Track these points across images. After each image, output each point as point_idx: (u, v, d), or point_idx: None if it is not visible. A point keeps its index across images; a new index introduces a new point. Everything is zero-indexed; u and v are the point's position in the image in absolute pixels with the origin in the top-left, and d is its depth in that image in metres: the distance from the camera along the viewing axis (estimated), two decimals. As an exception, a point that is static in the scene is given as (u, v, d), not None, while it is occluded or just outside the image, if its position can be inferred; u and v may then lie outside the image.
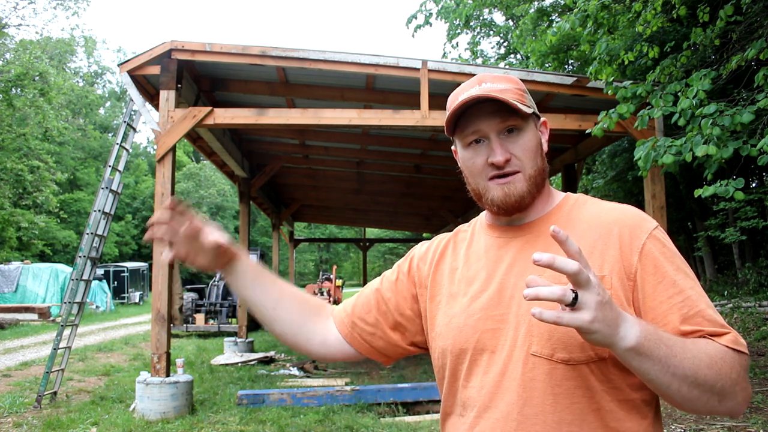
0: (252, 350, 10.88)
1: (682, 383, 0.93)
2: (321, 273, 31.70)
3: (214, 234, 1.16)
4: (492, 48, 21.54)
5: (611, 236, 1.06)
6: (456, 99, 1.13)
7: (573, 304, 0.84)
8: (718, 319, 1.02)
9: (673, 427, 5.18)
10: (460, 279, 1.18)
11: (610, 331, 0.86)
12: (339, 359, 1.31)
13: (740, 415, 1.01)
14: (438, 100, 6.94)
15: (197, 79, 7.63)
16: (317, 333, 1.28)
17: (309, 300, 1.31)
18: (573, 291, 0.84)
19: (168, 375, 5.98)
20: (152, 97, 6.97)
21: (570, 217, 1.13)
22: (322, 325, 1.29)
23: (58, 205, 23.94)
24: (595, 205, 1.15)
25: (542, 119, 1.19)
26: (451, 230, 1.32)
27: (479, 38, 19.27)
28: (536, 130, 1.15)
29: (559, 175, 10.01)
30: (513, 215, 1.14)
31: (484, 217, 1.24)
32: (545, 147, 1.17)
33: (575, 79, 6.55)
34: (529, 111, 1.11)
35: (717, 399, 0.96)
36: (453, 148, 1.22)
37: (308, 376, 8.37)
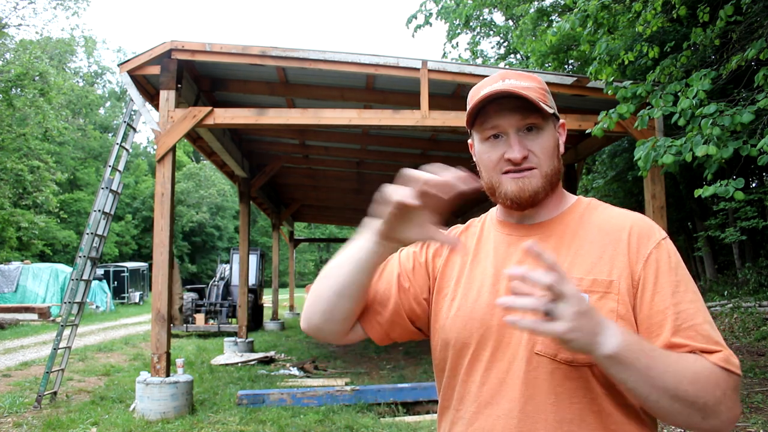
0: (252, 350, 10.88)
1: (662, 395, 0.94)
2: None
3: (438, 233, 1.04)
4: (492, 48, 21.56)
5: (620, 243, 1.07)
6: (478, 93, 1.12)
7: (548, 315, 0.87)
8: (714, 335, 1.01)
9: (672, 427, 5.18)
10: (469, 274, 1.18)
11: (588, 339, 0.89)
12: (349, 342, 1.25)
13: (729, 429, 1.01)
14: (438, 100, 6.94)
15: (197, 79, 7.63)
16: (351, 326, 1.21)
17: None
18: (548, 303, 0.87)
19: (168, 375, 5.97)
20: (152, 97, 6.97)
21: (582, 221, 1.14)
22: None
23: (58, 205, 23.95)
24: (607, 211, 1.15)
25: (561, 121, 1.19)
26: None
27: (479, 38, 19.27)
28: (555, 130, 1.15)
29: (559, 175, 10.01)
30: (525, 211, 1.14)
31: (495, 212, 1.24)
32: (562, 149, 1.17)
33: (575, 79, 6.55)
34: (551, 111, 1.11)
35: (700, 415, 0.96)
36: (469, 141, 1.22)
37: (308, 376, 8.37)
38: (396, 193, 0.97)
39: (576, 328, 0.87)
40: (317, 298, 1.16)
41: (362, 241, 1.10)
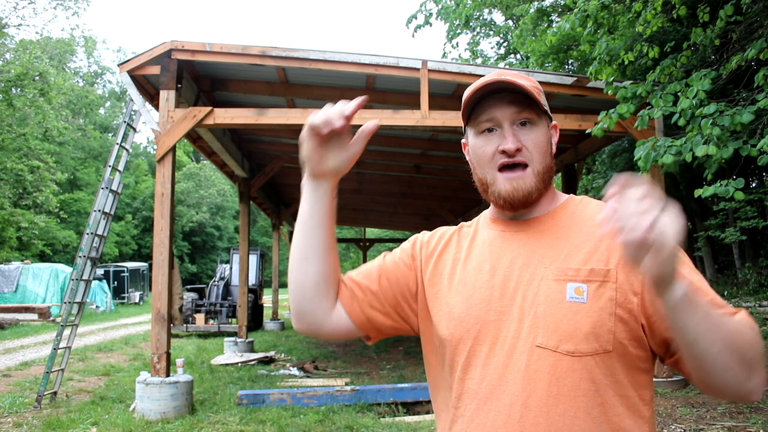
0: (252, 350, 10.88)
1: (723, 345, 0.90)
2: (321, 273, 31.77)
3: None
4: (492, 48, 21.54)
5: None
6: (474, 86, 1.14)
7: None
8: (728, 305, 1.02)
9: (673, 427, 5.17)
10: (462, 270, 1.18)
11: (675, 264, 0.84)
12: (335, 334, 1.22)
13: (758, 399, 1.00)
14: (438, 100, 6.94)
15: (197, 79, 7.63)
16: (330, 303, 1.19)
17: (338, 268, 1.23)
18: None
19: (168, 375, 5.97)
20: (152, 97, 6.97)
21: (575, 215, 1.14)
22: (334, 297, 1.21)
23: (58, 205, 23.92)
24: (599, 206, 1.15)
25: (553, 122, 1.20)
26: None
27: (479, 38, 19.28)
28: (548, 129, 1.17)
29: (559, 175, 10.02)
30: (518, 210, 1.15)
31: (488, 212, 1.25)
32: (554, 148, 1.18)
33: (575, 79, 6.55)
34: (545, 107, 1.14)
35: (746, 372, 0.93)
36: (463, 141, 1.22)
37: (308, 376, 8.37)
38: (309, 127, 1.07)
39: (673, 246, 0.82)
40: (290, 275, 1.20)
41: (303, 199, 1.16)
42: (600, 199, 1.20)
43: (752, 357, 0.94)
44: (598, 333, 1.01)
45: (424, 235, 1.31)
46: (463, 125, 1.20)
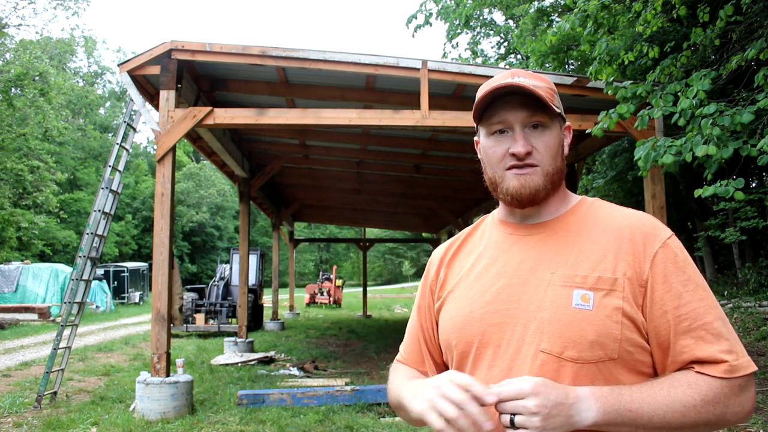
0: (252, 350, 10.88)
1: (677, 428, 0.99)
2: (321, 273, 31.77)
3: None
4: (492, 48, 21.53)
5: (624, 241, 1.07)
6: (487, 87, 1.14)
7: (513, 427, 0.93)
8: (724, 332, 1.02)
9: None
10: (470, 274, 1.18)
11: (566, 421, 0.95)
12: None
13: (745, 422, 1.04)
14: (438, 100, 6.94)
15: (197, 79, 7.62)
16: None
17: None
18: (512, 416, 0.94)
19: (168, 375, 5.97)
20: (152, 97, 6.97)
21: (586, 219, 1.14)
22: None
23: (58, 205, 23.92)
24: (611, 210, 1.15)
25: (567, 123, 1.20)
26: (449, 231, 1.33)
27: (479, 38, 19.27)
28: (560, 131, 1.16)
29: (559, 175, 10.01)
30: (526, 209, 1.15)
31: (497, 212, 1.25)
32: (566, 150, 1.18)
33: (575, 79, 6.54)
34: (558, 110, 1.12)
35: (706, 428, 1.00)
36: (475, 138, 1.23)
37: (308, 376, 8.37)
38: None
39: (548, 426, 0.92)
40: (390, 401, 1.26)
41: (410, 398, 1.10)
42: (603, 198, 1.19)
43: (707, 422, 0.99)
44: (603, 342, 1.01)
45: (437, 253, 1.31)
46: (475, 124, 1.20)
